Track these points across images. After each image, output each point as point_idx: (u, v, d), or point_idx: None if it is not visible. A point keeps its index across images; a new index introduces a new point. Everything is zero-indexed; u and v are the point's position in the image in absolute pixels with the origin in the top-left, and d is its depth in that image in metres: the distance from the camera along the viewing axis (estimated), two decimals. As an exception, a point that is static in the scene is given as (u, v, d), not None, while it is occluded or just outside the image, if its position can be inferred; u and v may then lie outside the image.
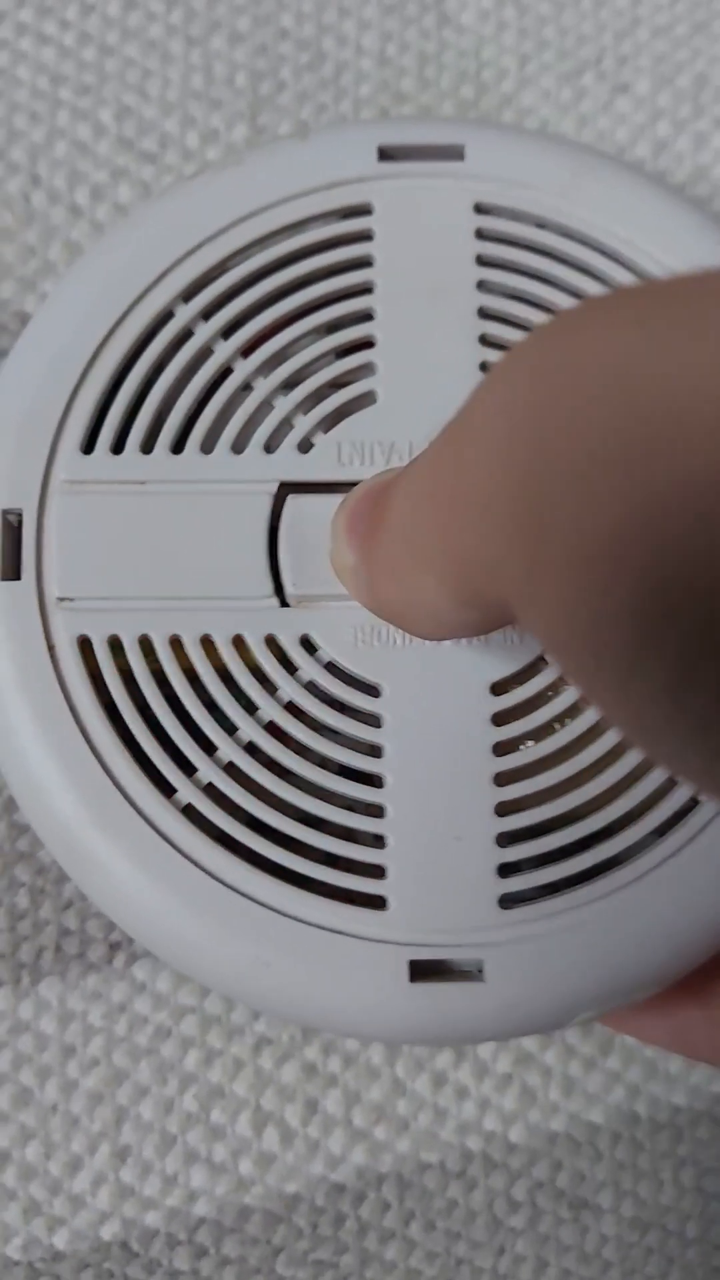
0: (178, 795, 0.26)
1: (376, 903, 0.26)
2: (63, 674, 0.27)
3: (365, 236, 0.29)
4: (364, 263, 0.29)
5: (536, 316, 0.29)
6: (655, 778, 0.27)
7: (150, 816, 0.26)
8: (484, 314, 0.29)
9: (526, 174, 0.29)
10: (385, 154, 0.29)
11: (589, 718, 0.27)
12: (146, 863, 0.26)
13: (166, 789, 0.26)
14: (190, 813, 0.26)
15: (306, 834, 0.26)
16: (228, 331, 0.28)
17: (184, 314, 0.28)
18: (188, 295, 0.28)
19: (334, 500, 0.27)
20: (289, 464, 0.28)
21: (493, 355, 0.28)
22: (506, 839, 0.26)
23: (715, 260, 0.29)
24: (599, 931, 0.26)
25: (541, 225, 0.29)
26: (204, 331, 0.28)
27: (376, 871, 0.26)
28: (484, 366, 0.28)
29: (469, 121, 0.32)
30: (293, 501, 0.28)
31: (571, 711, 0.27)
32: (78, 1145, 0.31)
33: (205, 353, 0.28)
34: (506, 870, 0.26)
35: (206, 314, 0.28)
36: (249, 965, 0.26)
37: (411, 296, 0.29)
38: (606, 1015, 0.28)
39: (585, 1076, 0.32)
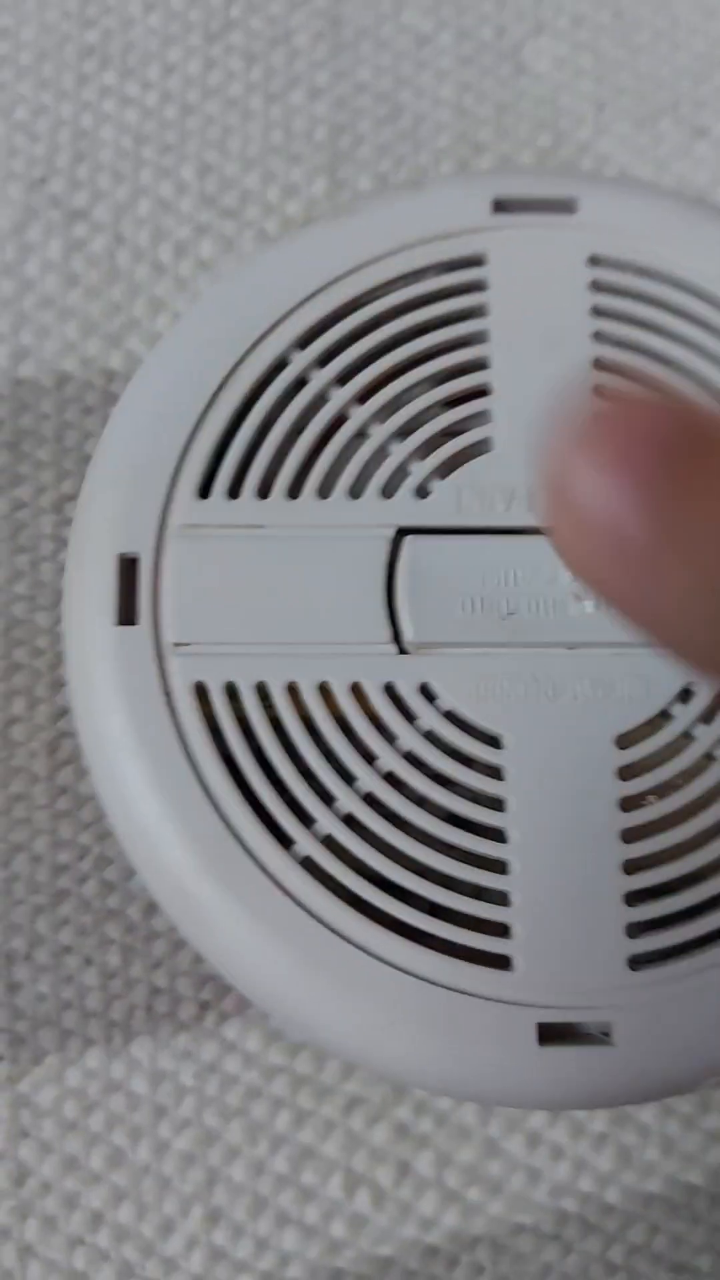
0: (296, 847, 0.24)
1: (502, 962, 0.24)
2: (179, 721, 0.24)
3: (480, 286, 0.27)
4: (479, 312, 0.27)
5: (652, 368, 0.27)
6: None
7: (268, 868, 0.24)
8: (599, 365, 0.27)
9: (640, 226, 0.28)
10: (500, 206, 0.28)
11: (717, 772, 0.25)
12: (264, 916, 0.24)
13: (284, 840, 0.24)
14: (309, 865, 0.24)
15: (428, 889, 0.24)
16: (343, 379, 0.26)
17: (299, 361, 0.26)
18: (303, 342, 0.27)
19: (453, 545, 0.26)
20: (406, 509, 0.26)
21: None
22: (635, 897, 0.24)
23: None
24: (730, 993, 0.24)
25: (656, 278, 0.27)
26: (319, 378, 0.26)
27: (501, 930, 0.24)
28: (600, 417, 0.26)
29: (581, 174, 0.31)
30: (410, 545, 0.26)
31: (700, 766, 0.25)
32: (170, 1207, 0.29)
33: (321, 399, 0.26)
34: (635, 930, 0.24)
35: (322, 361, 0.27)
36: (369, 1025, 0.24)
37: (526, 346, 0.27)
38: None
39: (684, 1136, 0.30)
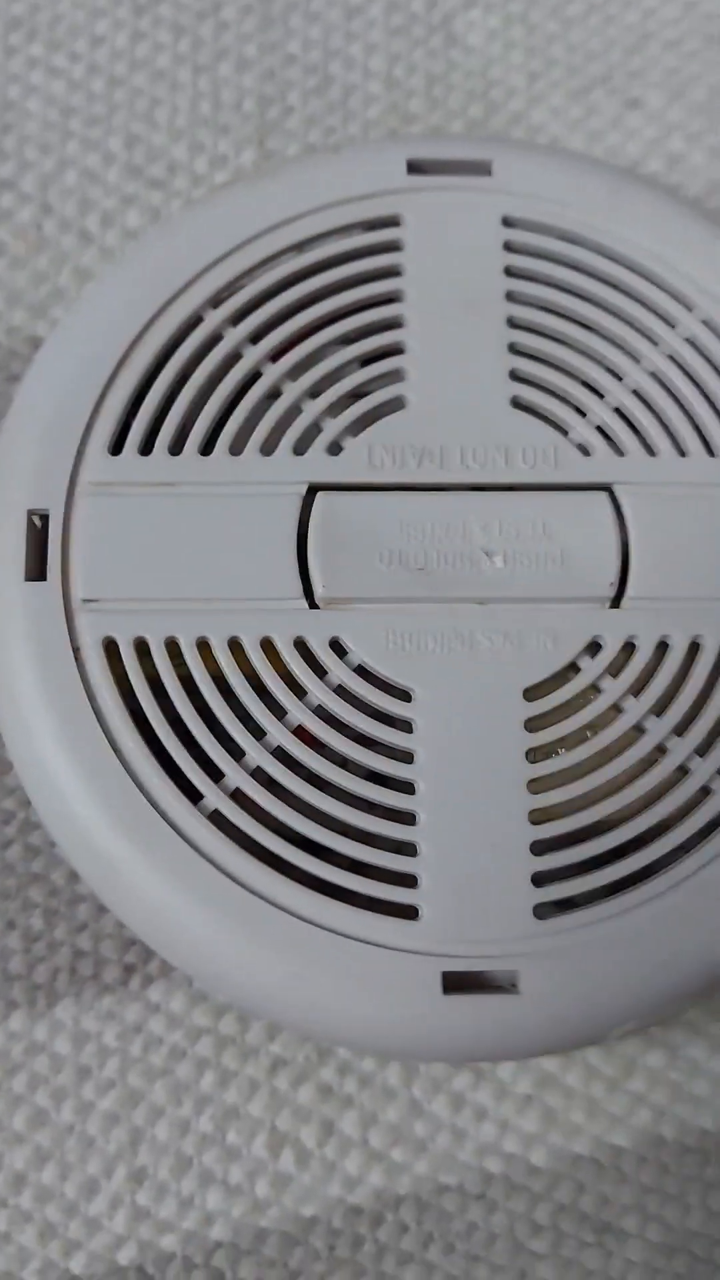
0: (204, 801, 0.24)
1: (408, 912, 0.24)
2: (88, 676, 0.24)
3: (395, 246, 0.27)
4: (393, 272, 0.27)
5: (565, 328, 0.27)
6: (690, 785, 0.25)
7: (176, 823, 0.24)
8: (513, 324, 0.27)
9: (554, 190, 0.28)
10: (414, 167, 0.28)
11: (623, 724, 0.25)
12: (172, 870, 0.24)
13: (193, 795, 0.24)
14: (217, 819, 0.24)
15: (336, 841, 0.24)
16: (256, 337, 0.26)
17: (213, 319, 0.26)
18: (217, 301, 0.27)
19: (365, 501, 0.26)
20: (319, 466, 0.26)
21: (522, 363, 0.26)
22: (541, 847, 0.24)
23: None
24: (636, 941, 0.24)
25: (570, 240, 0.27)
26: (233, 336, 0.26)
27: (408, 880, 0.24)
28: (513, 374, 0.26)
29: (498, 139, 0.31)
30: (323, 501, 0.26)
31: (605, 718, 0.25)
32: (94, 1167, 0.28)
33: (234, 357, 0.26)
34: (541, 879, 0.24)
35: (235, 319, 0.27)
36: (278, 977, 0.23)
37: (441, 305, 0.27)
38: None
39: (609, 1098, 0.30)
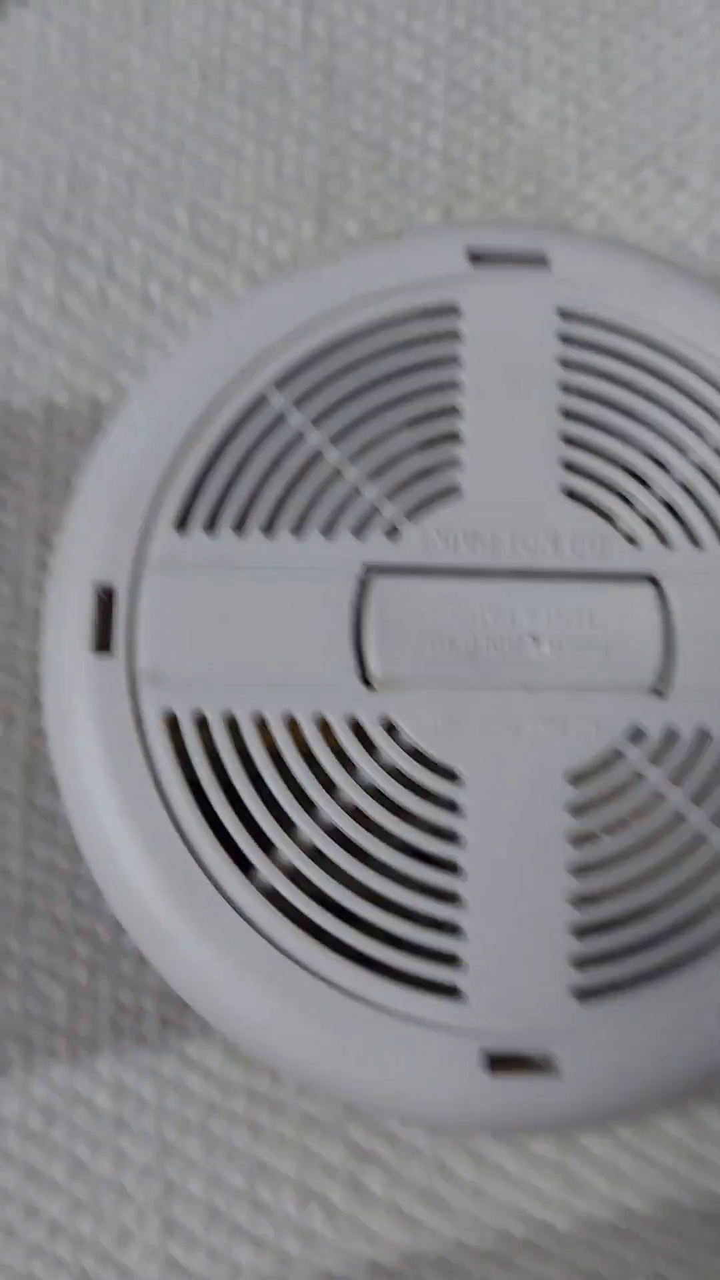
0: (257, 874, 0.25)
1: (451, 991, 0.24)
2: (149, 748, 0.25)
3: (454, 335, 0.28)
4: (452, 360, 0.28)
5: (615, 419, 0.27)
6: (729, 871, 0.25)
7: (228, 892, 0.24)
8: (566, 413, 0.27)
9: (607, 282, 0.28)
10: (474, 257, 0.28)
11: (664, 812, 0.25)
12: (223, 940, 0.24)
13: (245, 866, 0.25)
14: (268, 891, 0.25)
15: (381, 918, 0.24)
16: (319, 419, 0.27)
17: (278, 401, 0.27)
18: (281, 382, 0.27)
19: (420, 585, 0.26)
20: (376, 549, 0.26)
21: (573, 452, 0.27)
22: (582, 930, 0.25)
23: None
24: (677, 1026, 0.24)
25: (621, 333, 0.28)
26: (296, 418, 0.27)
27: (451, 959, 0.24)
28: (564, 463, 0.27)
29: (554, 228, 0.32)
30: (379, 584, 0.26)
31: (646, 805, 0.25)
32: (128, 1217, 0.29)
33: (297, 438, 0.27)
34: (583, 962, 0.24)
35: (299, 401, 0.27)
36: (324, 1049, 0.24)
37: (497, 393, 0.27)
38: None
39: (631, 1164, 0.30)
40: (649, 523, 0.27)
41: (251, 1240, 0.29)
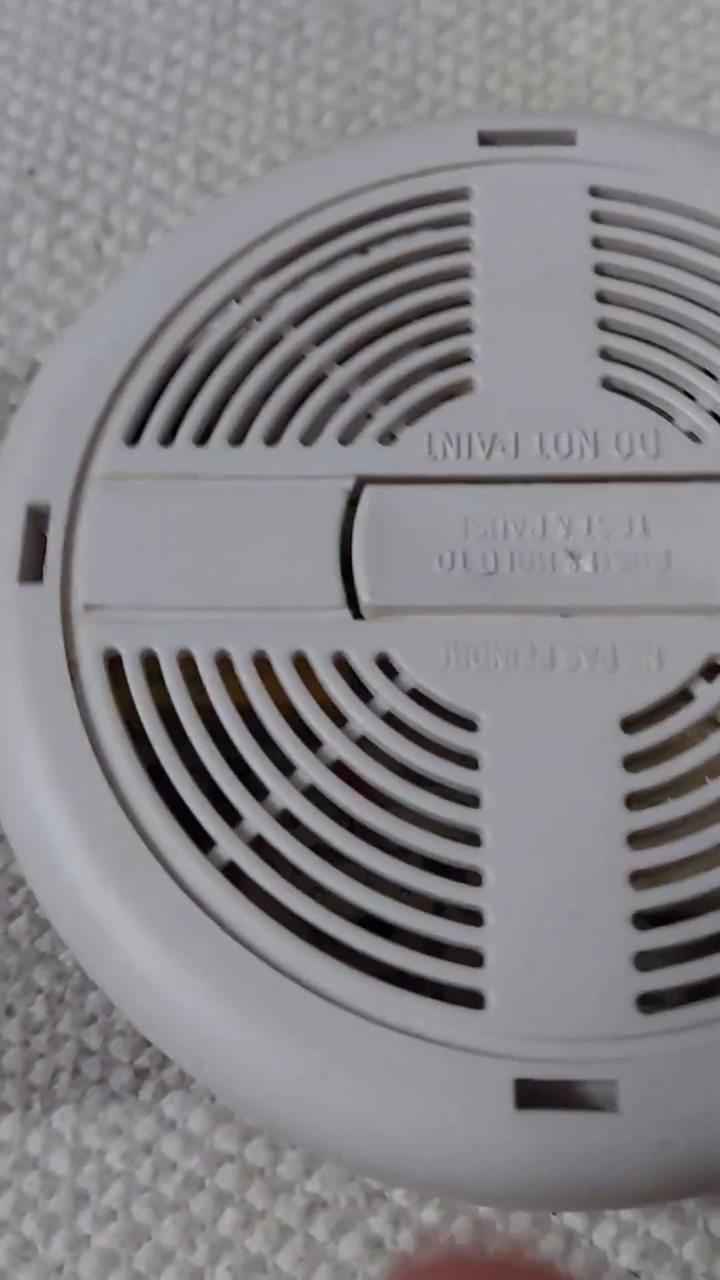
0: (216, 850, 0.19)
1: (471, 999, 0.18)
2: (84, 696, 0.20)
3: (463, 220, 0.23)
4: (461, 246, 0.23)
5: (668, 302, 0.22)
6: None
7: (180, 875, 0.19)
8: (603, 299, 0.22)
9: (646, 159, 0.23)
10: (486, 139, 0.24)
11: (748, 764, 0.19)
12: (171, 932, 0.19)
13: (203, 842, 0.19)
14: (231, 872, 0.19)
15: (379, 904, 0.19)
16: (300, 318, 0.23)
17: (252, 299, 0.23)
18: (259, 279, 0.23)
19: (425, 496, 0.21)
20: (368, 457, 0.21)
21: (614, 341, 0.22)
22: (645, 920, 0.18)
23: None
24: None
25: (669, 209, 0.23)
26: (273, 318, 0.22)
27: (471, 958, 0.18)
28: (604, 353, 0.22)
29: (581, 111, 0.27)
30: (372, 496, 0.21)
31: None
32: None
33: (273, 340, 0.22)
34: (647, 961, 0.18)
35: (276, 299, 0.23)
36: (298, 1077, 0.18)
37: (517, 280, 0.22)
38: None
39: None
40: (715, 416, 0.21)
41: None
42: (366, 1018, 0.18)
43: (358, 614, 0.20)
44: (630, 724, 0.19)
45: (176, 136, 0.31)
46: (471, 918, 0.19)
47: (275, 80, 0.32)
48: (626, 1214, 0.24)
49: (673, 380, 0.22)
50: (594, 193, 0.23)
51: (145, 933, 0.19)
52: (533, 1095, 0.17)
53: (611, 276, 0.23)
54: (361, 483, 0.21)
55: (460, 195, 0.23)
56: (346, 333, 0.22)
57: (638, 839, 0.19)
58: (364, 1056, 0.18)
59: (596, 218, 0.23)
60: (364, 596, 0.20)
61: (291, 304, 0.23)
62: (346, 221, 0.23)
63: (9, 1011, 0.24)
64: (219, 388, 0.22)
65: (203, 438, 0.22)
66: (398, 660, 0.20)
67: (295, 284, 0.23)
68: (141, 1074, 0.24)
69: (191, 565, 0.21)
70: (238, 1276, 0.23)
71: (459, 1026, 0.18)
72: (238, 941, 0.18)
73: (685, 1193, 0.19)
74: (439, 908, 0.19)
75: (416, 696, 0.20)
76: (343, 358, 0.22)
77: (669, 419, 0.21)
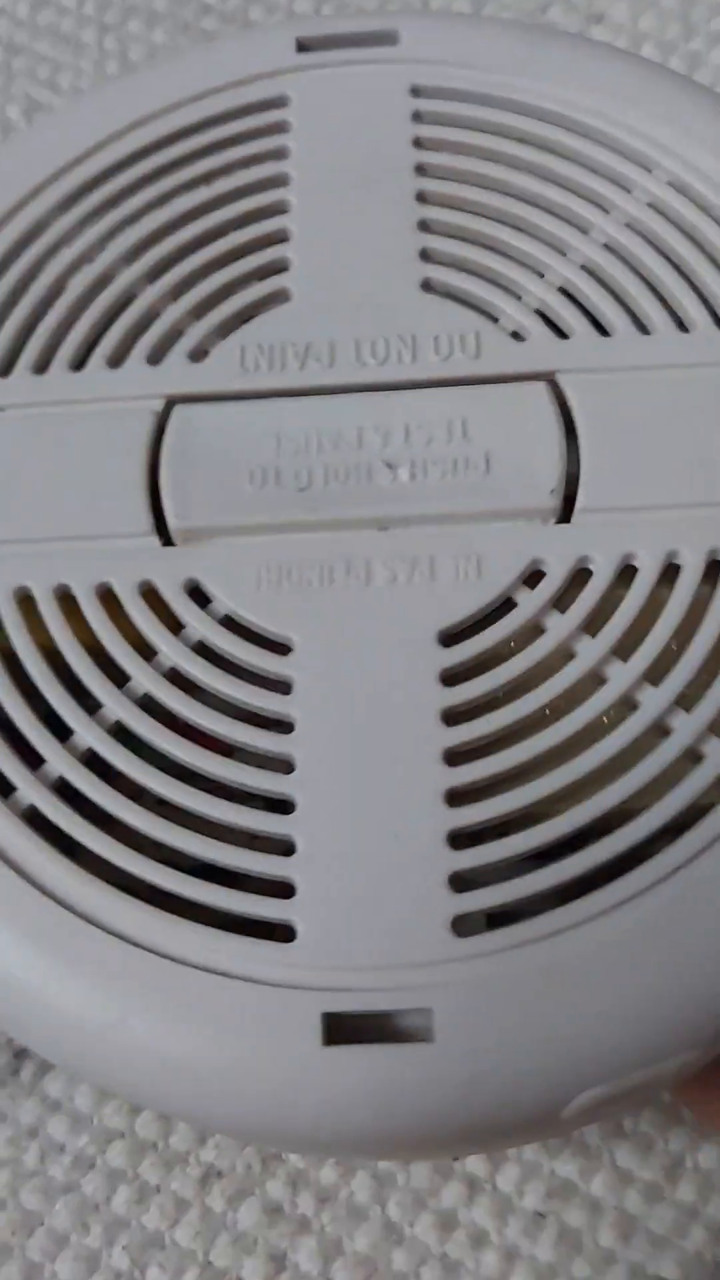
0: (17, 795, 0.18)
1: (281, 932, 0.17)
2: None
3: (280, 129, 0.22)
4: (277, 154, 0.22)
5: (493, 200, 0.21)
6: (668, 749, 0.17)
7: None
8: (424, 199, 0.21)
9: (473, 55, 0.22)
10: (304, 45, 0.23)
11: (575, 671, 0.18)
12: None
13: (4, 789, 0.18)
14: (32, 817, 0.18)
15: (183, 838, 0.18)
16: (108, 237, 0.21)
17: (61, 224, 0.22)
18: (67, 204, 0.22)
19: (234, 412, 0.20)
20: (178, 376, 0.20)
21: (436, 241, 0.21)
22: (462, 838, 0.17)
23: (708, 127, 0.21)
24: (599, 966, 0.16)
25: (496, 105, 0.22)
26: (83, 240, 0.21)
27: (281, 889, 0.17)
28: (424, 255, 0.21)
29: (403, 10, 0.26)
30: (180, 415, 0.20)
31: (551, 664, 0.18)
32: None
33: (82, 261, 0.21)
34: (463, 881, 0.17)
35: (86, 221, 0.22)
36: (101, 1023, 0.17)
37: (336, 186, 0.21)
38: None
39: (650, 1212, 0.22)
40: (542, 316, 0.20)
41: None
42: (169, 957, 0.17)
43: (167, 540, 0.19)
44: (448, 638, 0.18)
45: (5, 86, 0.30)
46: (281, 846, 0.17)
47: (103, 24, 0.31)
48: (529, 1153, 0.23)
49: (497, 280, 0.21)
50: (415, 92, 0.22)
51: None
52: (342, 1029, 0.16)
53: (433, 176, 0.21)
54: (171, 403, 0.20)
55: (277, 103, 0.22)
56: (157, 250, 0.21)
57: (456, 756, 0.18)
58: (165, 999, 0.17)
59: (418, 117, 0.22)
60: (171, 520, 0.19)
61: (101, 227, 0.21)
62: (158, 139, 0.22)
63: None
64: (22, 317, 0.21)
65: (5, 369, 0.21)
66: (209, 587, 0.19)
67: (106, 206, 0.22)
68: (20, 1055, 0.23)
69: (-3, 497, 0.20)
70: (136, 1256, 0.22)
71: (266, 961, 0.17)
72: (35, 886, 0.17)
73: (510, 1134, 0.18)
74: (248, 839, 0.18)
75: (229, 624, 0.19)
76: (154, 275, 0.21)
77: (493, 319, 0.20)
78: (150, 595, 0.19)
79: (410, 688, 0.18)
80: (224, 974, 0.17)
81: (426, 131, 0.22)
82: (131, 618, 0.19)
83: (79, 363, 0.20)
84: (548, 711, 0.18)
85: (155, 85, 0.23)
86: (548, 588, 0.18)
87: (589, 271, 0.20)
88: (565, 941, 0.17)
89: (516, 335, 0.20)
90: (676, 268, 0.20)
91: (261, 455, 0.20)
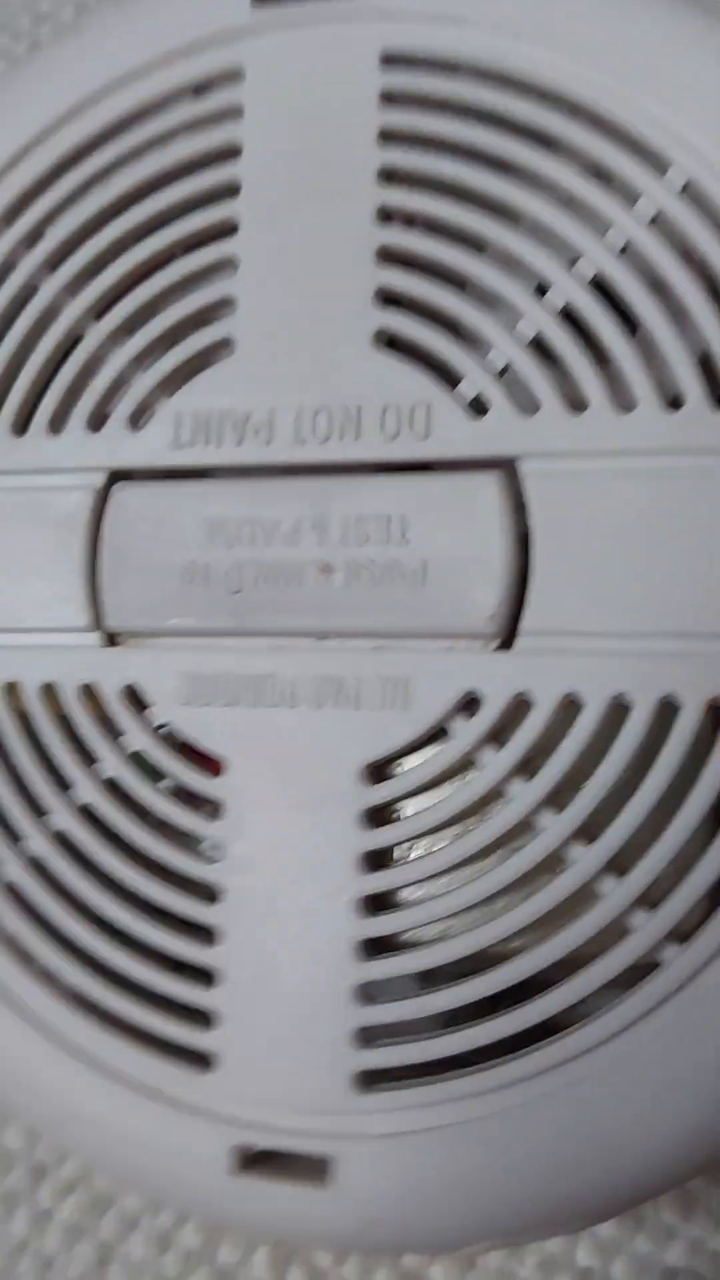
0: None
1: (200, 1061, 0.18)
2: None
3: (233, 115, 0.19)
4: (228, 153, 0.19)
5: (459, 215, 0.18)
6: (601, 914, 0.16)
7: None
8: (386, 215, 0.18)
9: (458, 5, 0.18)
10: (261, -1, 0.19)
11: (508, 819, 0.17)
12: None
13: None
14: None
15: (116, 956, 0.18)
16: (48, 265, 0.19)
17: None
18: (5, 219, 0.20)
19: (169, 494, 0.19)
20: (117, 445, 0.19)
21: (394, 277, 0.18)
22: (370, 992, 0.17)
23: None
24: (501, 1131, 0.16)
25: (478, 75, 0.18)
26: (22, 271, 0.20)
27: (203, 1019, 0.18)
28: (381, 294, 0.18)
29: None
30: (119, 497, 0.19)
31: (488, 806, 0.17)
32: None
33: (24, 296, 0.20)
34: (368, 1036, 0.17)
35: (23, 245, 0.20)
36: (39, 1118, 0.18)
37: (290, 197, 0.18)
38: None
39: (607, 1265, 0.21)
40: (504, 375, 0.17)
41: None
42: (107, 1070, 0.18)
43: (109, 638, 0.19)
44: (373, 772, 0.17)
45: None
46: (207, 977, 0.18)
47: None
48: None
49: (461, 329, 0.18)
50: (387, 61, 0.18)
51: None
52: (250, 1162, 0.17)
53: (399, 184, 0.18)
54: (111, 477, 0.19)
55: (231, 77, 0.19)
56: (101, 280, 0.19)
57: (369, 905, 0.17)
58: (103, 1107, 0.18)
59: (388, 98, 0.18)
60: (107, 619, 0.19)
61: (39, 252, 0.19)
62: (97, 134, 0.19)
63: None
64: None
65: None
66: (147, 693, 0.18)
67: (43, 224, 0.20)
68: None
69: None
70: (208, 1234, 0.22)
71: (186, 1086, 0.18)
72: (-17, 987, 0.19)
73: (399, 1253, 0.18)
74: (178, 966, 0.18)
75: (164, 735, 0.18)
76: (99, 311, 0.19)
77: (451, 384, 0.17)
78: (90, 695, 0.19)
79: (331, 825, 0.17)
80: (154, 1093, 0.18)
81: (395, 120, 0.18)
82: (73, 721, 0.19)
83: (21, 426, 0.19)
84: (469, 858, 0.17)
85: (94, 56, 0.20)
86: (483, 721, 0.17)
87: (570, 317, 0.17)
88: (468, 1105, 0.17)
89: (476, 404, 0.17)
90: (675, 313, 0.17)
91: (194, 547, 0.18)
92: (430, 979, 0.17)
